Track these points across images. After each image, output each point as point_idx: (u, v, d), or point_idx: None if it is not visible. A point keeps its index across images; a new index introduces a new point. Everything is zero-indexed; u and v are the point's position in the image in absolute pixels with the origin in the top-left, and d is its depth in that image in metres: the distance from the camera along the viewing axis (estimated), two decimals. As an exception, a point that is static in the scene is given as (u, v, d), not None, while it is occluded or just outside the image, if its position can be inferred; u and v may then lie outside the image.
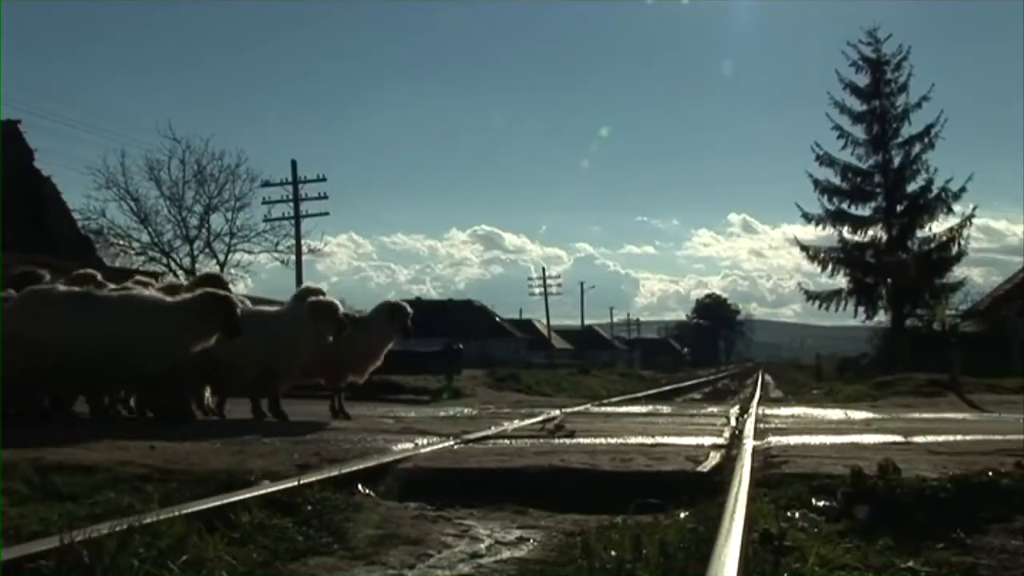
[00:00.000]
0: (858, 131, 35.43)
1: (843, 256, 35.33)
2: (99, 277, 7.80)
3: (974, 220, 35.29)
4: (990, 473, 3.59)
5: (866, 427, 7.68)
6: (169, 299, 7.00)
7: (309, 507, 3.21)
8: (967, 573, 2.65)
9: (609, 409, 11.02)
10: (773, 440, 5.87)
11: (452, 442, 5.53)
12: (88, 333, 6.51)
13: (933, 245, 34.88)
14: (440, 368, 18.39)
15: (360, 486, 3.71)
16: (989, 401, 13.50)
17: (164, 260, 34.99)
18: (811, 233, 36.65)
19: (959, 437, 6.11)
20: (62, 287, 7.10)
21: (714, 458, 4.60)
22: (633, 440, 5.91)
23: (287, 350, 7.60)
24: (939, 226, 34.87)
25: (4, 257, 10.61)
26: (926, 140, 34.86)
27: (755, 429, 6.80)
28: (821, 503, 3.47)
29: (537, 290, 64.77)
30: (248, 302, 8.23)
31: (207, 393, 7.89)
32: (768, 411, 10.54)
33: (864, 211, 35.55)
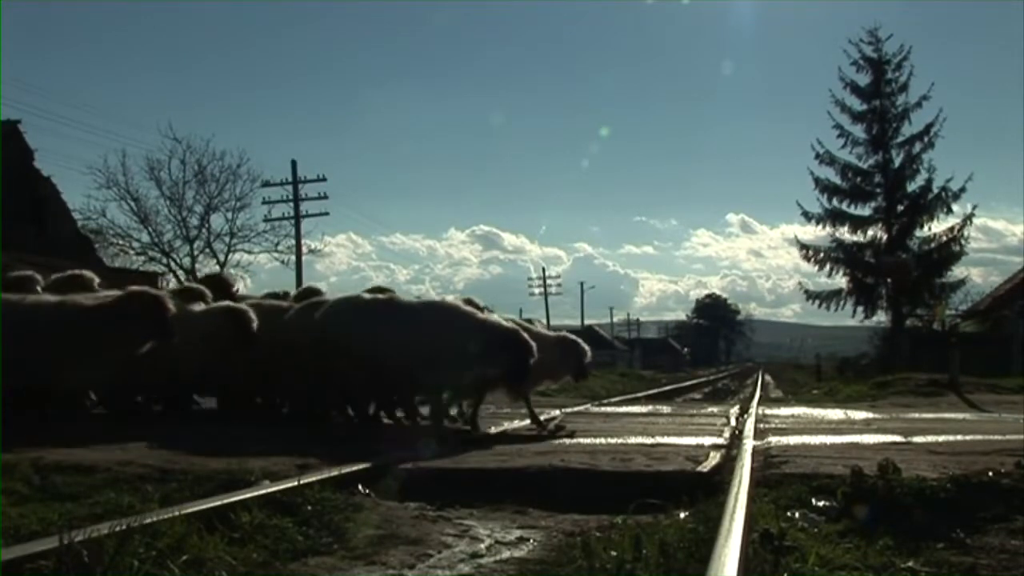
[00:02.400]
0: (858, 130, 35.43)
1: (843, 256, 35.32)
2: (87, 276, 7.86)
3: (974, 220, 35.36)
4: (990, 473, 3.59)
5: (866, 427, 7.68)
6: (469, 308, 6.93)
7: (309, 507, 3.21)
8: (967, 573, 2.65)
9: (609, 409, 11.02)
10: (773, 440, 5.86)
11: (452, 442, 5.52)
12: (400, 341, 6.49)
13: (933, 245, 34.86)
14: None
15: (360, 486, 3.71)
16: (989, 401, 13.49)
17: (164, 260, 34.94)
18: (810, 233, 36.66)
19: (959, 437, 6.11)
20: (366, 295, 7.18)
21: (714, 458, 4.60)
22: (633, 440, 5.91)
23: None
24: (939, 226, 34.90)
25: (4, 257, 10.62)
26: (926, 139, 34.84)
27: (755, 429, 6.80)
28: (821, 503, 3.46)
29: (537, 290, 64.75)
30: None
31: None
32: (768, 411, 10.53)
33: (864, 211, 35.54)
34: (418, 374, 6.55)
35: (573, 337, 7.79)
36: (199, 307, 7.24)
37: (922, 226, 35.18)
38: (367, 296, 7.19)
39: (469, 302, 7.22)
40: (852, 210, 35.59)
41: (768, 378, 38.73)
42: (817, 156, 35.47)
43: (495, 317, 6.86)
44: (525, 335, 6.48)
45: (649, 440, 5.87)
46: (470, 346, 6.37)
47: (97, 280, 7.93)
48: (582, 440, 5.91)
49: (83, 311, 6.23)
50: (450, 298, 7.30)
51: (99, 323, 6.13)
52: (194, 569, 2.47)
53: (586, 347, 7.71)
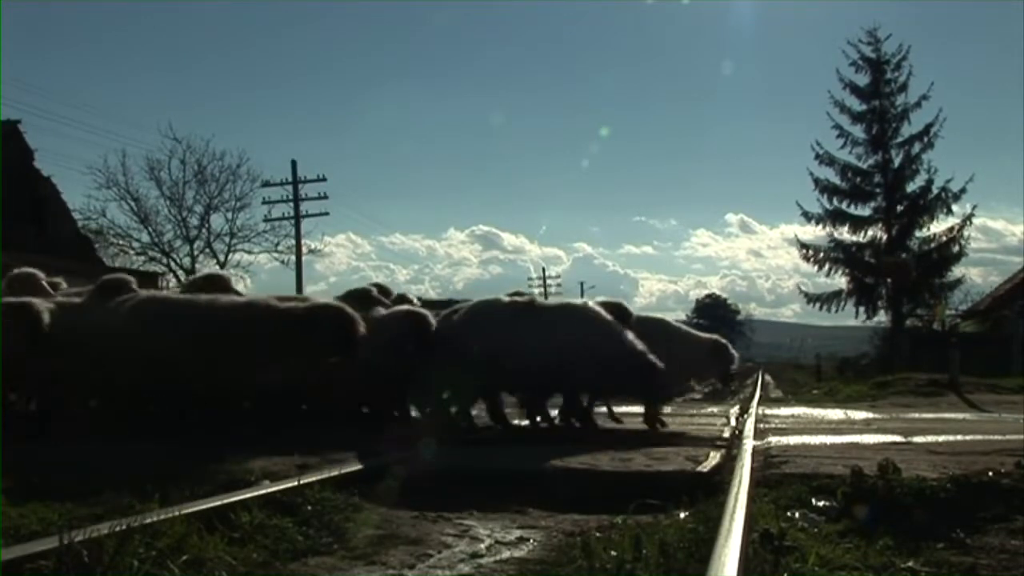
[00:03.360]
0: (858, 131, 35.40)
1: (842, 256, 35.33)
2: (225, 277, 7.97)
3: (973, 220, 35.38)
4: (990, 473, 3.59)
5: (866, 427, 7.68)
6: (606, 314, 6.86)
7: (309, 507, 3.21)
8: (967, 573, 2.65)
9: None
10: (773, 440, 5.86)
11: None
12: (538, 346, 6.45)
13: (933, 245, 34.88)
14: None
15: (360, 486, 3.71)
16: (989, 401, 13.49)
17: (164, 260, 34.99)
18: (810, 233, 36.64)
19: (959, 437, 6.11)
20: (505, 298, 7.17)
21: (714, 458, 4.60)
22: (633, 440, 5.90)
23: None
24: (939, 226, 34.91)
25: (4, 257, 10.62)
26: (925, 140, 34.85)
27: (755, 429, 6.80)
28: (821, 503, 3.46)
29: (537, 290, 64.56)
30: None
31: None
32: (768, 411, 10.53)
33: (864, 211, 35.52)
34: (549, 379, 6.54)
35: (724, 341, 7.89)
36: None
37: (922, 226, 35.20)
38: (506, 300, 7.18)
39: (606, 306, 7.16)
40: (852, 210, 35.61)
41: (768, 378, 38.67)
42: (817, 156, 35.49)
43: (628, 334, 6.71)
44: (652, 357, 6.39)
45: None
46: (598, 363, 6.32)
47: (232, 280, 8.00)
48: (582, 440, 5.90)
49: (279, 315, 6.15)
50: (589, 302, 7.25)
51: (293, 330, 6.06)
52: (194, 569, 2.47)
53: (735, 353, 7.77)
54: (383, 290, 8.13)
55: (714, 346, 7.69)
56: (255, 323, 6.06)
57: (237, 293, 7.65)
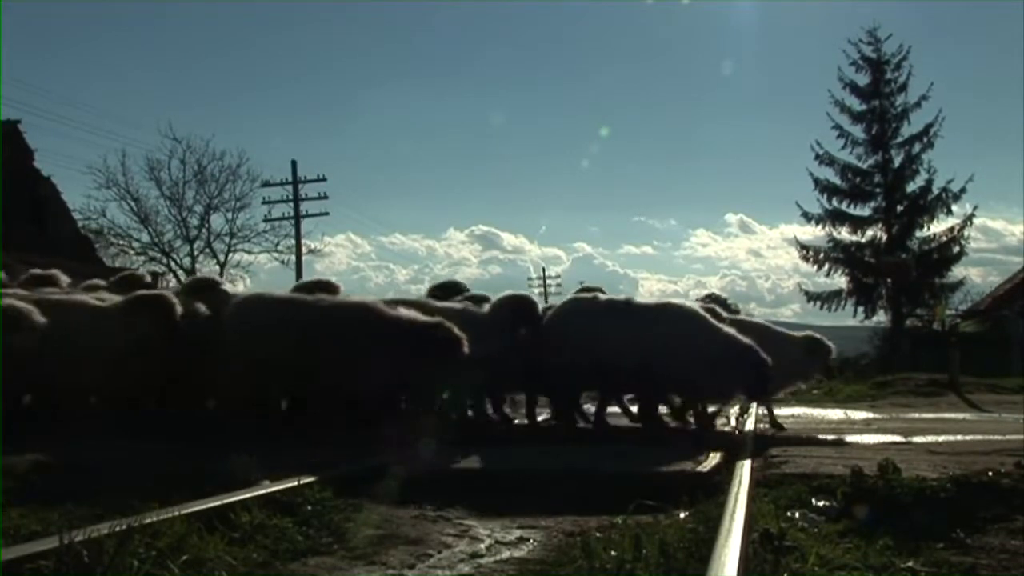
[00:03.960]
0: (858, 131, 35.34)
1: (842, 256, 35.29)
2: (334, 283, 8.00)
3: (974, 220, 35.38)
4: (990, 473, 3.59)
5: (866, 427, 7.68)
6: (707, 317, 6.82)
7: (309, 507, 3.21)
8: (967, 573, 2.65)
9: (610, 408, 11.00)
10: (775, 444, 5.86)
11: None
12: (630, 342, 6.46)
13: (933, 245, 34.86)
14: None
15: (360, 486, 3.71)
16: (989, 401, 13.48)
17: (164, 260, 34.93)
18: (810, 233, 36.59)
19: (959, 437, 6.12)
20: (602, 298, 7.17)
21: (714, 458, 4.60)
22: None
23: None
24: (939, 226, 34.88)
25: (4, 257, 10.61)
26: (925, 140, 34.83)
27: (755, 428, 6.80)
28: (821, 503, 3.47)
29: (537, 290, 64.33)
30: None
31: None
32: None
33: (864, 211, 35.46)
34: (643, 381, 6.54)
35: (817, 336, 7.86)
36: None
37: (922, 226, 35.18)
38: (602, 298, 7.16)
39: (714, 299, 7.08)
40: (852, 210, 35.55)
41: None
42: (817, 157, 35.44)
43: (729, 329, 6.67)
44: (762, 354, 6.37)
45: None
46: (705, 360, 6.28)
47: (342, 287, 8.03)
48: (583, 440, 5.90)
49: (402, 326, 6.08)
50: (686, 303, 7.22)
51: (407, 343, 5.99)
52: (194, 569, 2.47)
53: (831, 345, 7.80)
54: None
55: (810, 342, 7.73)
56: (374, 328, 6.03)
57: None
